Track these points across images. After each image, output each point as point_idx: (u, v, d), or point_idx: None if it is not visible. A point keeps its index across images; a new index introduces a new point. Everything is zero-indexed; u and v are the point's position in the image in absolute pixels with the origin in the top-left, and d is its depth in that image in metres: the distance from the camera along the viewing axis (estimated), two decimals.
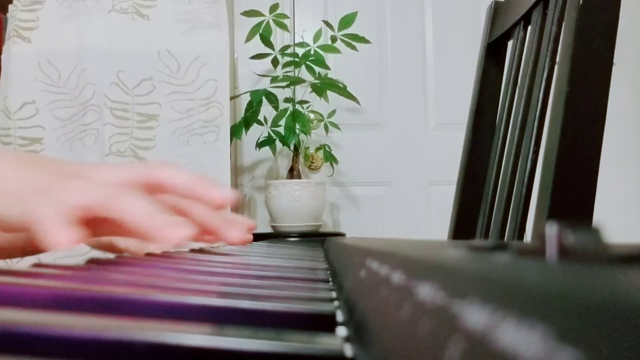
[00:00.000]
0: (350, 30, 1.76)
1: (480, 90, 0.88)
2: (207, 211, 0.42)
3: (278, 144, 1.77)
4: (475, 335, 0.08)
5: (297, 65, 1.77)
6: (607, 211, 1.32)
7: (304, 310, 0.19)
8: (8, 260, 0.48)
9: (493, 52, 0.89)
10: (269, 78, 1.76)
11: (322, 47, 1.79)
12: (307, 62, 1.77)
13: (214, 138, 1.56)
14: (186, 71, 1.57)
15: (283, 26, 1.79)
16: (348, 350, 0.15)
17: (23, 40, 1.55)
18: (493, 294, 0.09)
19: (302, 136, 1.76)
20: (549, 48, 0.65)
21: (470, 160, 0.87)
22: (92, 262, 0.29)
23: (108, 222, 0.35)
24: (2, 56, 1.56)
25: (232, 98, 1.75)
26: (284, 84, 1.73)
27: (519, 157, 0.69)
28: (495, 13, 0.89)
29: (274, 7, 1.78)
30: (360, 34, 1.75)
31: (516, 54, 0.79)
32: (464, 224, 0.87)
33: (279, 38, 1.97)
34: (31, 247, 0.44)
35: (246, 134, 1.75)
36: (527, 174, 0.65)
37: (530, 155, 0.65)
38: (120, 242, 0.49)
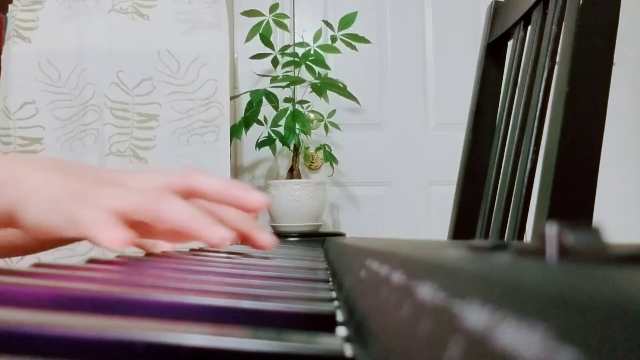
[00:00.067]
0: (350, 30, 1.76)
1: (480, 90, 0.88)
2: (240, 216, 0.43)
3: (278, 144, 1.77)
4: (475, 335, 0.08)
5: (297, 65, 1.77)
6: (607, 211, 1.32)
7: (304, 310, 0.19)
8: (8, 260, 0.49)
9: (493, 52, 0.89)
10: (269, 78, 1.76)
11: (322, 47, 1.79)
12: (307, 62, 1.77)
13: (214, 138, 1.56)
14: (186, 71, 1.57)
15: (283, 26, 1.79)
16: (348, 350, 0.15)
17: (23, 40, 1.55)
18: (493, 294, 0.09)
19: (302, 136, 1.76)
20: (549, 48, 0.65)
21: (470, 160, 0.87)
22: (92, 262, 0.29)
23: (141, 226, 0.36)
24: (2, 56, 1.56)
25: (232, 98, 1.75)
26: (284, 84, 1.73)
27: (519, 157, 0.69)
28: (495, 13, 0.89)
29: (274, 7, 1.78)
30: (360, 34, 1.75)
31: (516, 54, 0.79)
32: (464, 224, 0.87)
33: (279, 38, 1.97)
34: (31, 247, 0.44)
35: (246, 134, 1.75)
36: (527, 174, 0.65)
37: (530, 155, 0.65)
38: (149, 244, 0.50)
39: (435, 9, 2.03)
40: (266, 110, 1.77)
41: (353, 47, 1.75)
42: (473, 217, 0.84)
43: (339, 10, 1.91)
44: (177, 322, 0.16)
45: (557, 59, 0.62)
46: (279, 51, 1.82)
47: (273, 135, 1.76)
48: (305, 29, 1.94)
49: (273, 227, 1.74)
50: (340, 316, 0.21)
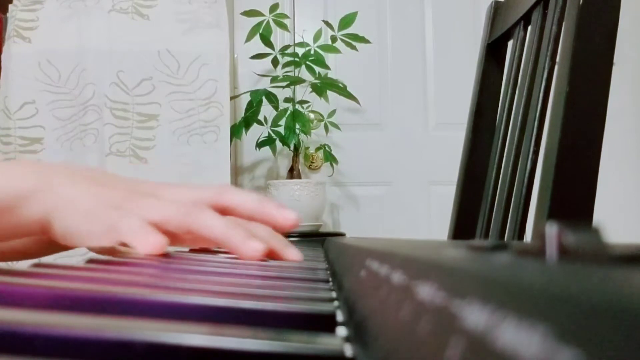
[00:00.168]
0: (350, 30, 1.76)
1: (480, 90, 0.88)
2: (270, 232, 0.43)
3: (278, 144, 1.77)
4: (475, 335, 0.08)
5: (297, 65, 1.77)
6: (607, 211, 1.32)
7: (304, 310, 0.19)
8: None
9: (493, 52, 0.89)
10: (269, 78, 1.76)
11: (322, 47, 1.79)
12: (307, 62, 1.77)
13: (214, 138, 1.56)
14: (186, 71, 1.57)
15: (283, 26, 1.79)
16: (348, 350, 0.15)
17: (23, 40, 1.55)
18: (493, 294, 0.09)
19: (302, 136, 1.76)
20: (549, 48, 0.65)
21: (470, 160, 0.87)
22: (92, 262, 0.29)
23: (174, 237, 0.37)
24: (2, 56, 1.56)
25: (232, 98, 1.75)
26: (284, 84, 1.73)
27: (519, 157, 0.69)
28: (495, 13, 0.89)
29: (274, 7, 1.78)
30: (360, 34, 1.75)
31: (516, 54, 0.79)
32: (464, 224, 0.87)
33: (279, 38, 1.97)
34: (32, 252, 0.45)
35: (246, 134, 1.75)
36: (527, 174, 0.65)
37: (530, 155, 0.65)
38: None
39: (435, 9, 2.03)
40: (266, 110, 1.77)
41: (353, 47, 1.75)
42: (473, 217, 0.84)
43: (339, 10, 1.91)
44: (177, 322, 0.16)
45: (557, 59, 0.62)
46: (279, 51, 1.82)
47: (273, 135, 1.76)
48: (305, 29, 1.94)
49: None
50: (340, 316, 0.21)
